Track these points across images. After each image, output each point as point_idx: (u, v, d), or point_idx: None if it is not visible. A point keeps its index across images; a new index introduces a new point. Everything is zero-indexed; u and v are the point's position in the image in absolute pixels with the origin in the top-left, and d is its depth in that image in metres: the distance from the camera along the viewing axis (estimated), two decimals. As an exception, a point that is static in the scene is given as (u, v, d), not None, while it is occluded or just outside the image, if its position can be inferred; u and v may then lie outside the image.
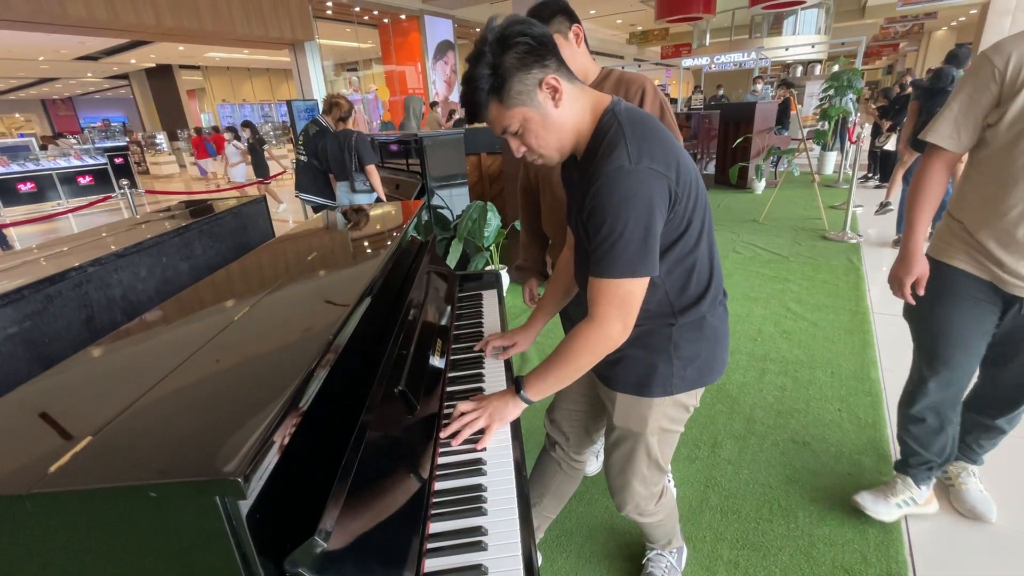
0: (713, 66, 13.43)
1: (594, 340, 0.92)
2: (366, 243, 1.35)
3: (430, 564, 0.73)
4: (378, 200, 3.63)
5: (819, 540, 1.57)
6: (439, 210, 3.90)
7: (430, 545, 0.76)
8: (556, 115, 0.89)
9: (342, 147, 3.50)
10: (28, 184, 9.28)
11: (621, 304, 0.89)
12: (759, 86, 9.32)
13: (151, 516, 0.43)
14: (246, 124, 8.02)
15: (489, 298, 1.73)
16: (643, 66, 15.85)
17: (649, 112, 1.36)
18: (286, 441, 0.55)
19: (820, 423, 2.12)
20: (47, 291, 0.87)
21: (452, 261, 3.58)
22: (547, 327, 1.45)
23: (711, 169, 7.52)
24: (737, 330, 2.98)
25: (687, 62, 13.35)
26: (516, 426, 1.08)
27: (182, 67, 15.89)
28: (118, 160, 10.66)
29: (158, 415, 0.54)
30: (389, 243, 1.21)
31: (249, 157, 7.60)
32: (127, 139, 12.46)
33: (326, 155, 3.65)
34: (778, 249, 4.44)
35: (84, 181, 9.92)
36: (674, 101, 12.15)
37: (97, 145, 10.97)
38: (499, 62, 0.84)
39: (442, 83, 12.14)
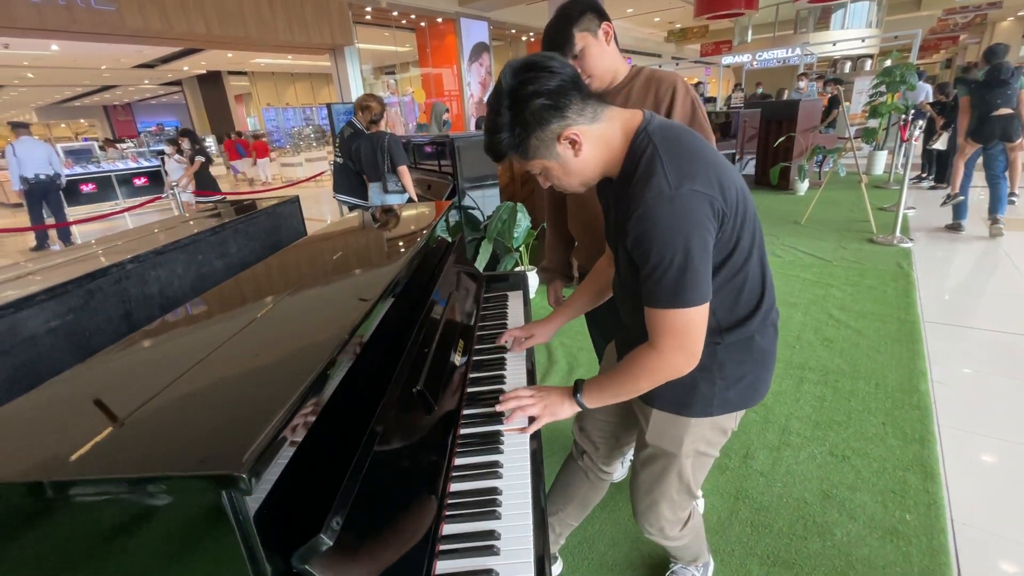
0: (755, 63, 13.02)
1: (658, 369, 0.89)
2: (391, 243, 1.37)
3: (442, 566, 0.73)
4: (409, 201, 3.68)
5: (857, 561, 1.48)
6: (470, 211, 3.93)
7: (443, 547, 0.76)
8: (577, 163, 0.88)
9: (374, 148, 3.55)
10: (90, 185, 9.89)
11: (681, 334, 0.85)
12: (803, 83, 8.96)
13: (161, 507, 0.45)
14: (184, 133, 6.29)
15: (515, 299, 1.72)
16: (681, 64, 15.53)
17: (680, 111, 1.33)
18: (297, 438, 0.56)
19: (862, 436, 2.01)
20: (88, 286, 0.92)
21: (482, 261, 3.60)
22: (572, 325, 1.43)
23: (750, 169, 7.29)
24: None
25: (727, 59, 13.01)
26: (536, 432, 1.08)
27: (230, 73, 16.59)
28: (171, 162, 11.19)
29: (176, 409, 0.56)
30: (413, 243, 1.22)
31: (193, 171, 5.90)
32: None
33: (359, 157, 3.72)
34: (821, 253, 4.25)
35: (139, 182, 10.49)
36: (712, 100, 11.85)
37: (151, 148, 11.56)
38: (516, 120, 0.83)
39: (477, 85, 12.23)
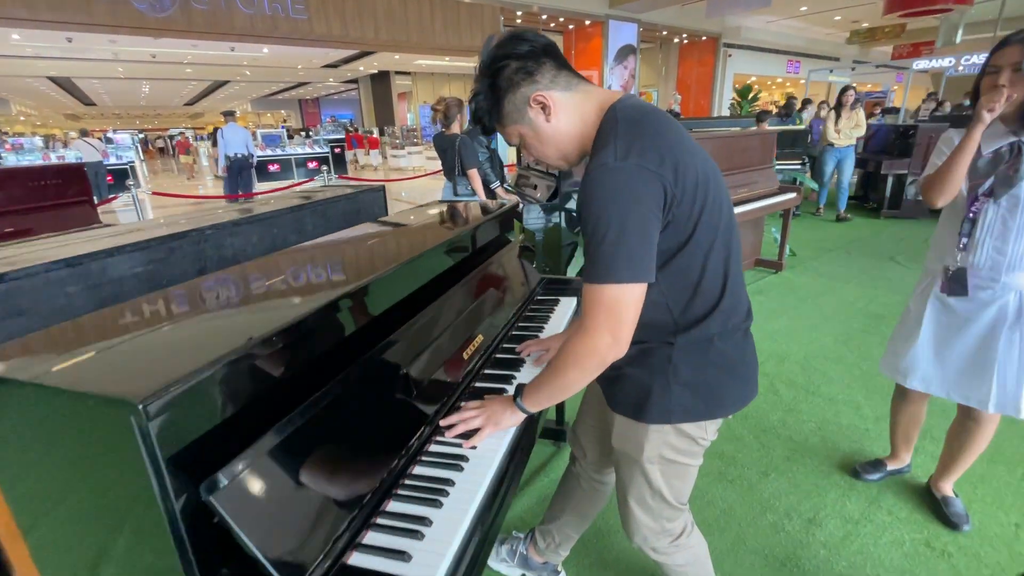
0: (960, 67, 10.89)
1: (582, 352, 0.86)
2: (425, 234, 1.44)
3: (370, 537, 0.78)
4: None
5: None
6: (573, 214, 3.92)
7: (379, 520, 0.81)
8: (549, 129, 0.89)
9: (446, 149, 3.62)
10: (274, 165, 11.82)
11: (608, 312, 0.82)
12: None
13: (90, 420, 0.56)
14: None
15: (564, 306, 1.71)
16: (858, 69, 13.56)
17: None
18: (229, 388, 0.64)
19: (982, 534, 1.61)
20: (170, 244, 1.14)
21: (575, 267, 3.57)
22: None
23: (926, 194, 6.12)
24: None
25: (920, 63, 11.05)
26: (528, 438, 1.07)
27: (396, 73, 18.47)
28: (337, 150, 12.88)
29: (148, 346, 0.69)
30: (442, 238, 1.27)
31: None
32: (344, 133, 15.11)
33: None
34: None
35: (312, 166, 12.25)
36: (895, 111, 10.17)
37: (325, 137, 13.43)
38: (493, 81, 0.88)
39: (618, 87, 12.03)
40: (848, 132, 5.81)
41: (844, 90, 5.78)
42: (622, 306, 0.81)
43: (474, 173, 3.60)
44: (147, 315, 0.81)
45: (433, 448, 0.98)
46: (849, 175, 6.09)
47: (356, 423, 0.86)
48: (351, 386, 0.87)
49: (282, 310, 0.82)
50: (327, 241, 1.32)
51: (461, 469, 0.92)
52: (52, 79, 17.09)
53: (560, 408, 2.17)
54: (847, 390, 2.48)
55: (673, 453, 0.97)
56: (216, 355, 0.62)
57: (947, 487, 1.70)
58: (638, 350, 0.90)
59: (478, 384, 1.21)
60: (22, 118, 28.94)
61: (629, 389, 0.96)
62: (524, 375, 1.26)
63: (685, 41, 14.31)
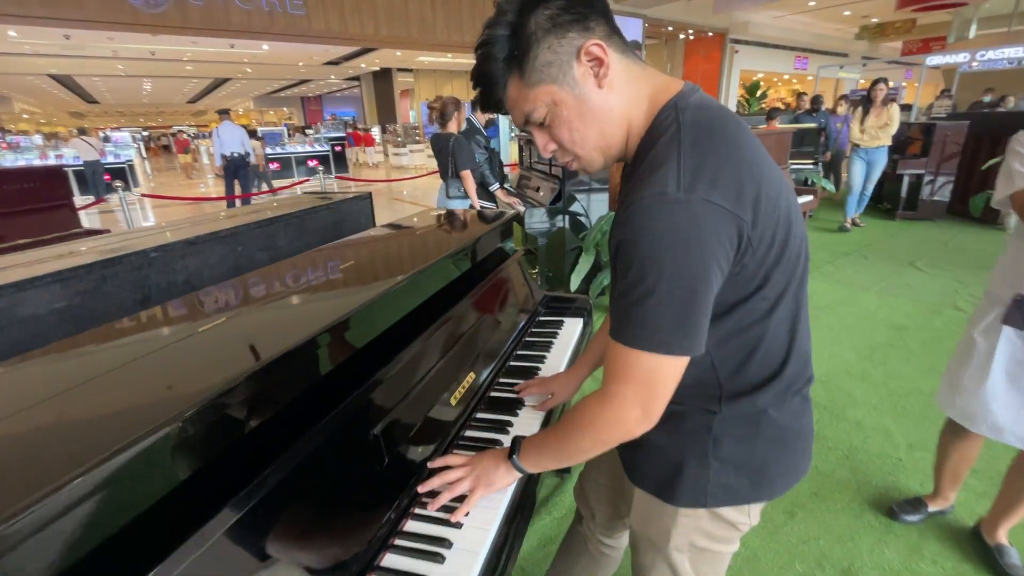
0: (975, 63, 10.62)
1: (602, 421, 0.67)
2: (411, 255, 1.26)
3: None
4: (471, 207, 3.56)
5: None
6: (579, 217, 3.73)
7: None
8: (599, 99, 0.64)
9: (442, 150, 3.45)
10: (274, 164, 11.65)
11: (643, 385, 0.63)
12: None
13: None
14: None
15: (569, 329, 1.53)
16: (869, 65, 13.31)
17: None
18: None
19: (1039, 588, 1.43)
20: (102, 272, 0.96)
21: (579, 275, 3.39)
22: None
23: (945, 195, 5.91)
24: (936, 422, 2.23)
25: (933, 59, 10.78)
26: (529, 496, 0.89)
27: (398, 70, 18.27)
28: (337, 148, 12.71)
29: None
30: (430, 259, 1.10)
31: None
32: (346, 131, 14.96)
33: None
34: (1028, 313, 3.24)
35: (312, 164, 12.08)
36: (908, 107, 9.92)
37: (326, 135, 13.25)
38: (522, 20, 0.61)
39: (623, 85, 11.81)
40: (874, 132, 5.16)
41: (875, 83, 5.11)
42: (659, 379, 0.63)
43: (467, 175, 3.42)
44: (30, 383, 0.64)
45: (410, 527, 0.80)
46: (874, 180, 5.43)
47: (311, 507, 0.69)
48: (297, 467, 0.68)
49: (210, 373, 0.64)
50: (291, 263, 1.14)
51: (442, 560, 0.74)
52: (53, 77, 16.98)
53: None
54: (875, 413, 2.29)
55: (706, 541, 0.79)
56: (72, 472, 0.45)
57: (1002, 534, 1.51)
58: (671, 413, 0.69)
59: (469, 433, 1.04)
60: (26, 116, 28.91)
61: (656, 462, 0.77)
62: (522, 420, 1.08)
63: (691, 37, 14.05)
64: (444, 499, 0.81)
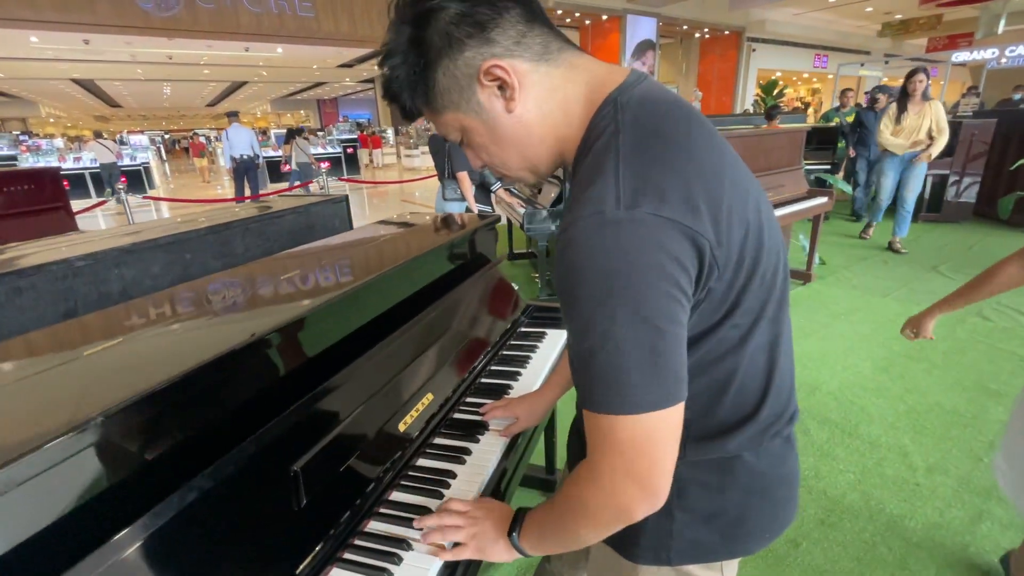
0: (1004, 59, 10.23)
1: (594, 504, 0.55)
2: (377, 256, 1.17)
3: None
4: (468, 210, 3.47)
5: None
6: (580, 220, 3.61)
7: None
8: (511, 122, 0.55)
9: (438, 151, 3.39)
10: (286, 166, 11.73)
11: (632, 454, 0.50)
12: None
13: None
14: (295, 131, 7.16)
15: (551, 341, 1.42)
16: (892, 62, 12.91)
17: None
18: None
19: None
20: (16, 283, 0.88)
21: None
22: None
23: (971, 196, 5.65)
24: (958, 442, 2.06)
25: (959, 56, 10.41)
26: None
27: (412, 72, 18.36)
28: (349, 150, 12.75)
29: None
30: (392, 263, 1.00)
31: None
32: (358, 133, 15.05)
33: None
34: (1061, 323, 3.04)
35: (324, 166, 12.14)
36: (932, 106, 9.58)
37: (338, 137, 13.30)
38: (413, 39, 0.53)
39: (636, 85, 11.64)
40: (911, 134, 4.25)
41: (911, 74, 4.21)
42: (648, 443, 0.50)
43: (463, 176, 3.34)
44: None
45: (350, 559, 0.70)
46: (915, 192, 4.41)
47: (211, 547, 0.59)
48: (187, 508, 0.59)
49: (125, 376, 0.55)
50: (244, 268, 1.05)
51: (359, 622, 0.64)
52: (76, 81, 17.41)
53: (550, 454, 1.88)
54: (891, 431, 2.13)
55: None
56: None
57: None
58: None
59: (419, 462, 0.93)
60: (52, 120, 29.75)
61: None
62: (483, 447, 0.98)
63: (707, 36, 13.81)
64: (435, 537, 0.72)
